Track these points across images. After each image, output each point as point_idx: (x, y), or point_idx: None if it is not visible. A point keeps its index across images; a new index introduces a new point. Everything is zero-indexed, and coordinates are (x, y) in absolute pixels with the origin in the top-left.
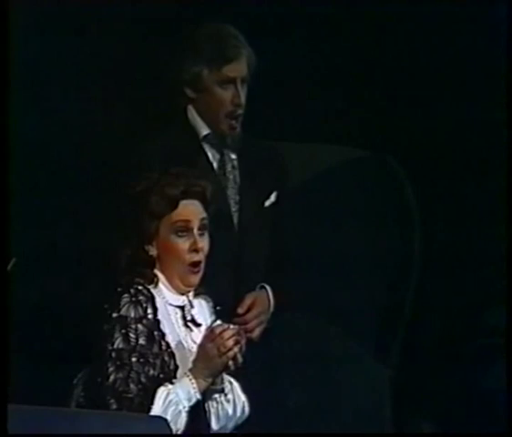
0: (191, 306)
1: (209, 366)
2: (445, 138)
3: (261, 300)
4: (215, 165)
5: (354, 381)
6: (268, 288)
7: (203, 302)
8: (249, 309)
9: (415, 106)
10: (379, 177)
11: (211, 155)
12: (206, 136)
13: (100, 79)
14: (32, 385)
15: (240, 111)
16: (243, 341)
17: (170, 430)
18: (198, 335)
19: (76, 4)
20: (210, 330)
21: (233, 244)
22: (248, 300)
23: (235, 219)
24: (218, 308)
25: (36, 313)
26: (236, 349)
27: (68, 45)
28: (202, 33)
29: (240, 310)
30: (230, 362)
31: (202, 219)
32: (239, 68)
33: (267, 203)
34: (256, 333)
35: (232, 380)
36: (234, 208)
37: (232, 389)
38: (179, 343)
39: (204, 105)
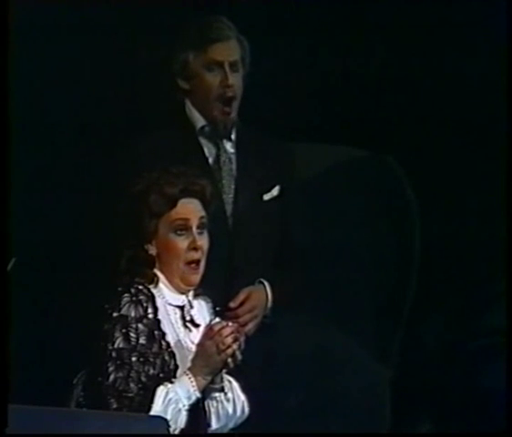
0: (191, 306)
1: (209, 364)
2: (446, 138)
3: (257, 295)
4: (210, 159)
5: (354, 380)
6: (266, 283)
7: (203, 303)
8: (242, 304)
9: (416, 107)
10: (379, 177)
11: (207, 149)
12: (202, 128)
13: (99, 78)
14: (32, 385)
15: (231, 94)
16: (242, 339)
17: (170, 429)
18: (196, 336)
19: (75, 3)
20: (209, 327)
21: (227, 238)
22: (242, 295)
23: (229, 213)
24: (217, 309)
25: (36, 313)
26: (235, 346)
27: (65, 44)
28: (190, 23)
29: (233, 304)
30: (229, 360)
31: (201, 218)
32: (225, 50)
33: (267, 197)
34: (249, 327)
35: (232, 379)
36: (228, 202)
37: (232, 388)
38: (178, 343)
39: (197, 93)
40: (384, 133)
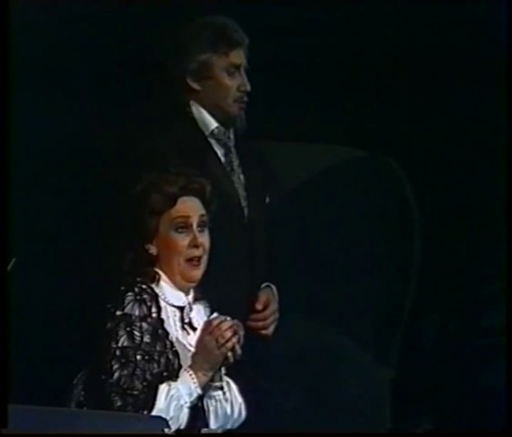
0: (190, 309)
1: (209, 359)
2: (445, 139)
3: (272, 298)
4: (223, 160)
5: (354, 381)
6: (273, 287)
7: (201, 307)
8: (265, 306)
9: (416, 107)
10: (379, 178)
11: (219, 152)
12: (213, 131)
13: (103, 78)
14: (32, 385)
15: (246, 99)
16: (241, 332)
17: (170, 429)
18: (193, 339)
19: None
20: (208, 322)
21: (246, 240)
22: (263, 297)
23: (245, 217)
24: (215, 313)
25: (36, 313)
26: (234, 339)
27: (71, 42)
28: (204, 22)
29: (259, 307)
30: (229, 354)
31: (202, 216)
32: (242, 55)
33: (268, 200)
34: (271, 330)
35: (230, 381)
36: (244, 204)
37: (230, 389)
38: (177, 344)
39: (210, 95)
40: (384, 134)
